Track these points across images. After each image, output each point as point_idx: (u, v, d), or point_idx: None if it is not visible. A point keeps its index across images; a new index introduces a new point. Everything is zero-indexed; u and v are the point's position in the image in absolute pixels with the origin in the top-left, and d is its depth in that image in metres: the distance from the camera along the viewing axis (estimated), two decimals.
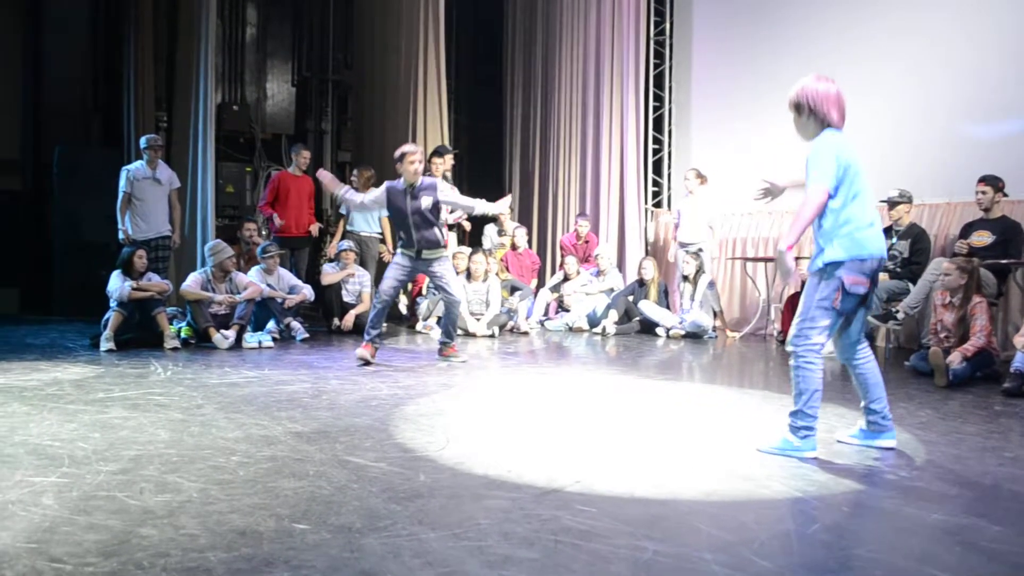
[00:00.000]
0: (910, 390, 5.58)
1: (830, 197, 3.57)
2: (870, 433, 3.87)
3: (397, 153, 6.44)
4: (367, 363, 6.25)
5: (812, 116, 3.67)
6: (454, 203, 6.81)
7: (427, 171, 9.01)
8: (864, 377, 3.82)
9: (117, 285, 6.94)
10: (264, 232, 9.67)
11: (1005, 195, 7.01)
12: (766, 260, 9.27)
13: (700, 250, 9.35)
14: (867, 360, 3.82)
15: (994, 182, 6.95)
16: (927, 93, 8.21)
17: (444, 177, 8.97)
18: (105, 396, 4.74)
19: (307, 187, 9.26)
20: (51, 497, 2.84)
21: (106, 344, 6.70)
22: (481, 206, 6.63)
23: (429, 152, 9.60)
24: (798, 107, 3.71)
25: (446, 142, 10.38)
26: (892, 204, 7.38)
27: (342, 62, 12.82)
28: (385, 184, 6.60)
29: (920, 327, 6.91)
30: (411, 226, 6.41)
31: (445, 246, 6.65)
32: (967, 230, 7.11)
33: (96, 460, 3.33)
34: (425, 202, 6.32)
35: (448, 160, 9.02)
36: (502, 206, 6.79)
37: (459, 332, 8.42)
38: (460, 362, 6.58)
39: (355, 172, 9.43)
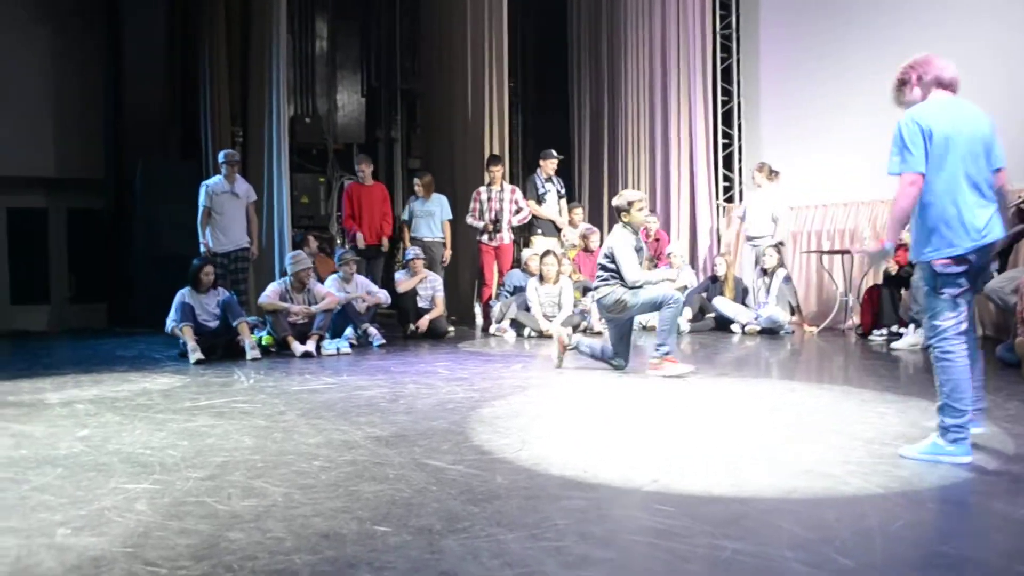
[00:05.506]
0: (998, 381, 5.39)
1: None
2: None
3: (623, 202, 6.07)
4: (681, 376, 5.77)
5: (920, 84, 3.46)
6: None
7: (490, 177, 9.50)
8: None
9: (174, 318, 7.23)
10: (340, 241, 9.85)
11: None
12: (842, 252, 9.07)
13: (781, 243, 9.19)
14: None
15: None
16: (1010, 78, 7.89)
17: (549, 179, 9.68)
18: (192, 405, 4.89)
19: (379, 194, 9.40)
20: (144, 503, 2.95)
21: (194, 356, 6.79)
22: None
23: (487, 157, 9.85)
24: (903, 81, 3.51)
25: (507, 145, 10.58)
26: None
27: (410, 71, 12.99)
28: (625, 237, 6.10)
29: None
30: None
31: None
32: None
33: (185, 467, 3.45)
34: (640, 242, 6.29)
35: (551, 164, 9.69)
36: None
37: (533, 333, 8.50)
38: (677, 376, 5.76)
39: (416, 180, 9.60)
